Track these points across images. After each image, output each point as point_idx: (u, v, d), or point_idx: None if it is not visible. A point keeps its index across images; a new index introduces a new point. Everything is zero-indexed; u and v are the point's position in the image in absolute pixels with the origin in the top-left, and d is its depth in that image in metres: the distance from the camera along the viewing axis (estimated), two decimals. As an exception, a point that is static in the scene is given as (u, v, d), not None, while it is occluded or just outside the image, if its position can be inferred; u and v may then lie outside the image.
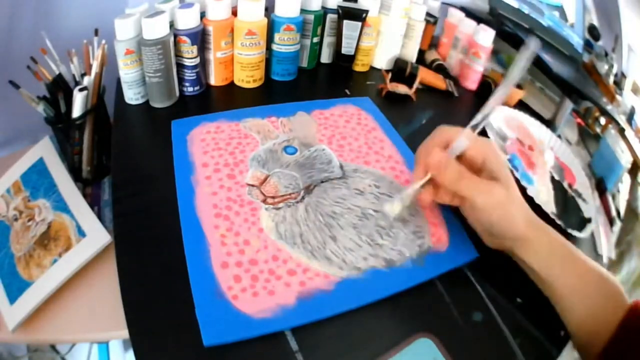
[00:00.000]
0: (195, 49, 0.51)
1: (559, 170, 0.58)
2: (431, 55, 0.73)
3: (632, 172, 0.65)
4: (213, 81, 0.57)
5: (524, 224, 0.35)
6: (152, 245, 0.37)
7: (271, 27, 0.57)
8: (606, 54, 0.72)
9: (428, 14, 0.70)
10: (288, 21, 0.56)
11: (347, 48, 0.64)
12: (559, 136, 0.65)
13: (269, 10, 0.56)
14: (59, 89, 0.47)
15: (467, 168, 0.35)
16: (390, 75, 0.63)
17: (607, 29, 0.71)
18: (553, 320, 0.38)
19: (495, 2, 0.82)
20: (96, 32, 0.48)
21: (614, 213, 0.64)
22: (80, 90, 0.46)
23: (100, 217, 0.48)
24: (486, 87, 0.69)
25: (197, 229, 0.37)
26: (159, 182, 0.42)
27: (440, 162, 0.35)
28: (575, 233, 0.46)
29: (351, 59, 0.66)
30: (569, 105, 0.71)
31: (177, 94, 0.54)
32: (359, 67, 0.68)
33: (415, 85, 0.62)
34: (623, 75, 0.69)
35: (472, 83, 0.69)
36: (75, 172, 0.52)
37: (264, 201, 0.40)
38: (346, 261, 0.37)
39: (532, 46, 0.34)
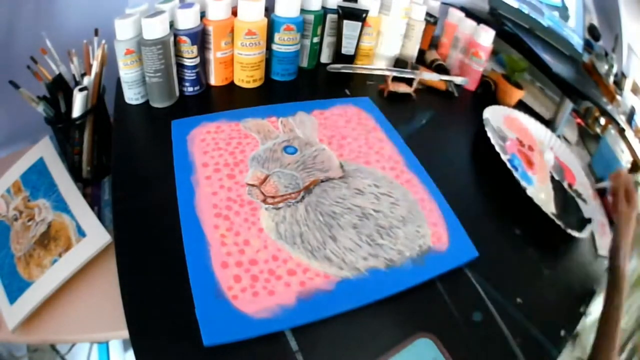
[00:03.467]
0: (195, 49, 0.51)
1: (559, 170, 0.58)
2: (431, 55, 0.73)
3: (632, 172, 0.65)
4: (213, 81, 0.57)
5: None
6: (152, 245, 0.37)
7: (271, 27, 0.57)
8: (606, 54, 0.72)
9: (428, 14, 0.70)
10: (288, 21, 0.56)
11: (347, 48, 0.64)
12: (559, 136, 0.65)
13: (269, 10, 0.56)
14: (59, 89, 0.47)
15: None
16: (391, 75, 0.63)
17: (607, 29, 0.71)
18: (553, 320, 0.38)
19: (495, 2, 0.82)
20: (96, 32, 0.48)
21: (614, 213, 0.64)
22: (80, 90, 0.46)
23: (100, 217, 0.48)
24: (486, 87, 0.69)
25: (197, 229, 0.37)
26: (159, 182, 0.42)
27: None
28: (575, 233, 0.46)
29: (351, 59, 0.66)
30: (569, 105, 0.71)
31: (177, 94, 0.54)
32: (359, 67, 0.67)
33: (415, 84, 0.62)
34: (623, 75, 0.69)
35: (472, 83, 0.69)
36: (75, 172, 0.52)
37: (264, 201, 0.40)
38: (346, 261, 0.37)
39: None
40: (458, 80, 0.65)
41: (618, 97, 0.70)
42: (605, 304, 0.42)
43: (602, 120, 0.73)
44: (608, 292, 0.43)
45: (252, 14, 0.52)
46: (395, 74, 0.62)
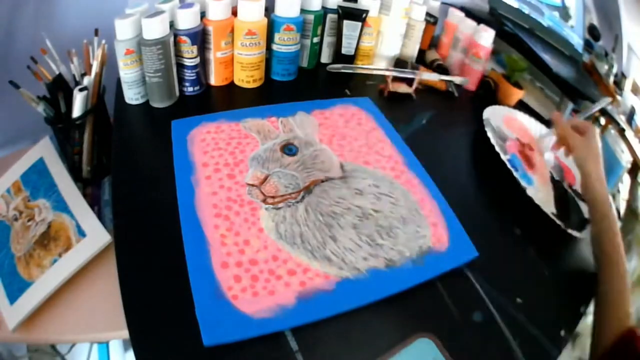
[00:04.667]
0: (195, 49, 0.51)
1: (559, 170, 0.58)
2: (431, 55, 0.73)
3: (632, 172, 0.66)
4: (213, 81, 0.57)
5: (594, 166, 0.47)
6: (152, 245, 0.37)
7: (271, 27, 0.57)
8: (606, 54, 0.72)
9: (428, 14, 0.71)
10: (288, 21, 0.56)
11: (347, 48, 0.64)
12: (559, 136, 0.65)
13: (269, 10, 0.56)
14: (59, 89, 0.47)
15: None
16: (391, 75, 0.63)
17: (607, 29, 0.72)
18: (553, 320, 0.38)
19: (495, 2, 0.82)
20: (96, 32, 0.48)
21: (614, 213, 0.64)
22: (80, 90, 0.46)
23: (100, 217, 0.48)
24: (486, 87, 0.69)
25: (197, 229, 0.37)
26: (159, 182, 0.42)
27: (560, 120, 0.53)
28: (575, 233, 0.46)
29: (351, 59, 0.66)
30: (569, 105, 0.71)
31: (177, 94, 0.54)
32: (359, 67, 0.67)
33: (415, 84, 0.62)
34: (623, 75, 0.69)
35: (472, 83, 0.69)
36: (75, 172, 0.52)
37: (264, 201, 0.40)
38: (346, 261, 0.37)
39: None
40: (458, 80, 0.65)
41: (618, 97, 0.70)
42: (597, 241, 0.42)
43: (602, 120, 0.73)
44: (595, 222, 0.43)
45: (252, 14, 0.52)
46: (395, 74, 0.62)
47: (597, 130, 0.51)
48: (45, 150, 0.52)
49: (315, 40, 0.63)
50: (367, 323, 0.33)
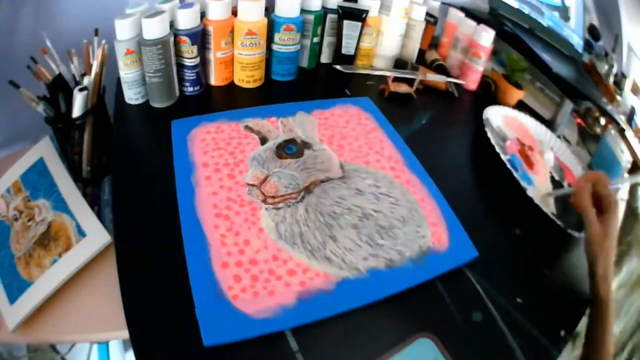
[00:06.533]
0: (195, 49, 0.51)
1: (559, 170, 0.58)
2: (431, 55, 0.73)
3: (632, 172, 0.65)
4: (213, 81, 0.57)
5: (603, 263, 0.39)
6: (152, 245, 0.37)
7: (271, 27, 0.57)
8: (606, 54, 0.72)
9: (428, 14, 0.70)
10: (288, 21, 0.56)
11: (347, 48, 0.64)
12: (559, 136, 0.65)
13: (269, 10, 0.56)
14: (59, 89, 0.47)
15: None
16: (392, 75, 0.63)
17: (607, 29, 0.71)
18: (553, 320, 0.38)
19: (495, 2, 0.82)
20: (96, 32, 0.48)
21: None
22: (80, 90, 0.46)
23: (100, 217, 0.48)
24: (486, 87, 0.69)
25: (197, 229, 0.37)
26: (159, 182, 0.42)
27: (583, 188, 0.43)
28: (575, 233, 0.46)
29: (351, 59, 0.66)
30: (569, 105, 0.71)
31: (177, 94, 0.54)
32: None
33: (415, 84, 0.62)
34: (623, 75, 0.69)
35: (472, 83, 0.69)
36: (75, 172, 0.52)
37: (264, 201, 0.40)
38: (346, 261, 0.37)
39: None
40: (458, 80, 0.65)
41: (618, 97, 0.70)
42: (592, 327, 0.37)
43: (602, 120, 0.73)
44: (594, 315, 0.38)
45: (252, 14, 0.52)
46: (406, 75, 0.62)
47: (619, 209, 0.42)
48: (45, 150, 0.52)
49: (315, 40, 0.63)
50: (367, 323, 0.33)
